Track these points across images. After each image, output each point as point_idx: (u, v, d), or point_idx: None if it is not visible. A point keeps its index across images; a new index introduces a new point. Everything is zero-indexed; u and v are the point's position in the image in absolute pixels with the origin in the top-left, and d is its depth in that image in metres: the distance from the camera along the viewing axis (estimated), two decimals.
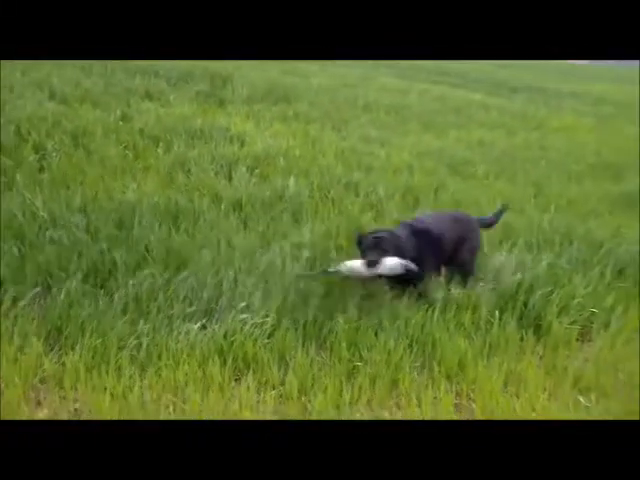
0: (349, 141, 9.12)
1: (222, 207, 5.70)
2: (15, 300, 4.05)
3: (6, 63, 11.58)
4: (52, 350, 3.72)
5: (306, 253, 4.81)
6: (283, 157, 7.47)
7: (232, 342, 3.82)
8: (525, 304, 4.46)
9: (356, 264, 4.34)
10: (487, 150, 9.78)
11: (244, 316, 4.02)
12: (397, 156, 8.38)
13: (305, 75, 16.21)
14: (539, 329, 4.32)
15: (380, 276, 4.36)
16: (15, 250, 4.51)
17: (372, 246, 4.36)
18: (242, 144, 7.98)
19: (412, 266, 4.29)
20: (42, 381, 3.54)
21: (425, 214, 5.27)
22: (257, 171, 7.01)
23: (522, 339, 4.17)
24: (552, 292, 4.52)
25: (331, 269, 4.43)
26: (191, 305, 4.15)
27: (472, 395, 3.68)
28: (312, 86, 13.98)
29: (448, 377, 3.77)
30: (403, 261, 4.29)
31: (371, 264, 4.27)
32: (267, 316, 4.03)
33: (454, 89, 17.30)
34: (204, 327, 3.96)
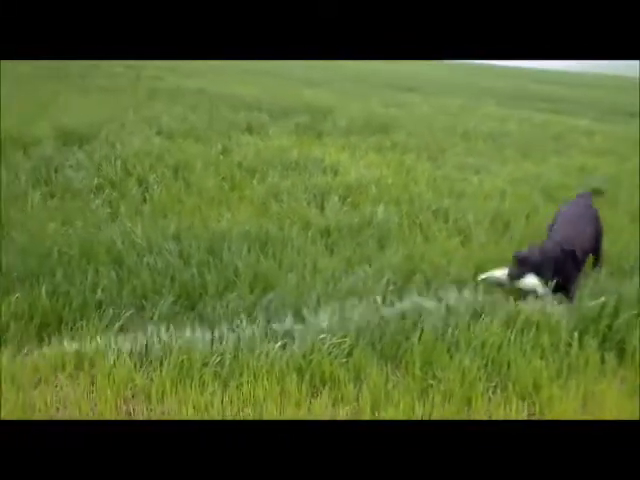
0: (443, 169, 9.18)
1: (309, 234, 5.89)
2: (112, 320, 4.34)
3: (117, 101, 12.35)
4: (142, 366, 3.96)
5: (388, 276, 4.92)
6: (375, 186, 7.62)
7: (310, 361, 3.97)
8: (609, 327, 4.41)
9: (501, 274, 4.93)
10: (588, 176, 9.61)
11: (323, 336, 4.16)
12: (490, 183, 8.38)
13: (405, 105, 16.38)
14: (623, 353, 4.26)
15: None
16: (113, 274, 4.82)
17: (518, 261, 4.92)
18: (335, 174, 8.19)
19: (544, 292, 4.79)
20: (133, 395, 3.78)
21: (567, 220, 5.59)
22: (349, 200, 7.18)
23: (603, 361, 4.12)
24: (638, 315, 4.45)
25: (481, 277, 5.01)
26: (274, 325, 4.33)
27: (547, 416, 3.67)
28: (411, 116, 14.12)
29: (522, 397, 3.78)
30: (538, 285, 4.81)
31: (512, 277, 4.87)
32: (345, 336, 4.16)
33: (557, 115, 17.01)
34: (284, 347, 4.12)
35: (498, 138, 12.19)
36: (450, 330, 4.29)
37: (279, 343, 4.12)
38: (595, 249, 5.53)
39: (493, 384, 3.89)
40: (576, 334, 4.24)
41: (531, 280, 4.85)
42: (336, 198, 7.13)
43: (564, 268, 4.92)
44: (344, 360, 4.02)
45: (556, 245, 5.07)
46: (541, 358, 4.08)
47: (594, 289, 4.84)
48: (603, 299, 4.57)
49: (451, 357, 4.05)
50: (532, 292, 4.84)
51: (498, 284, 4.95)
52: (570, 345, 4.19)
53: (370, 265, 5.21)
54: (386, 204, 6.94)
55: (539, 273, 4.86)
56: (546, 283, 4.82)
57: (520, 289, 4.88)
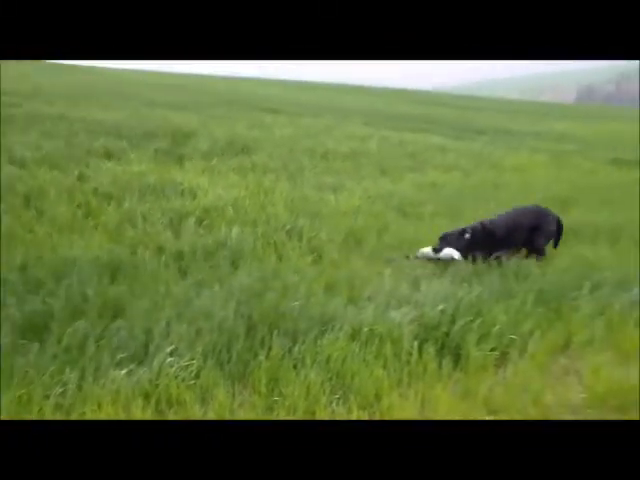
0: (302, 189, 9.35)
1: (163, 258, 5.87)
2: None
3: None
4: None
5: (238, 296, 4.98)
6: (232, 207, 7.68)
7: (157, 385, 3.96)
8: (447, 334, 4.63)
9: (427, 250, 6.43)
10: (438, 191, 10.05)
11: (171, 359, 4.16)
12: (346, 201, 8.62)
13: (269, 127, 16.54)
14: (458, 357, 4.48)
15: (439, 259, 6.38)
16: None
17: (440, 239, 6.49)
18: (194, 197, 8.18)
19: (457, 257, 6.33)
20: None
21: (506, 212, 7.08)
22: (205, 222, 7.20)
23: (440, 367, 4.33)
24: (473, 321, 4.70)
25: (416, 254, 6.46)
26: (122, 352, 4.29)
27: None
28: (274, 138, 14.29)
29: (363, 407, 3.91)
30: (454, 253, 6.33)
31: (435, 251, 6.40)
32: (193, 358, 4.18)
33: (415, 134, 17.67)
34: (131, 372, 4.09)
35: (357, 157, 12.53)
36: (297, 346, 4.39)
37: (125, 370, 4.09)
38: (529, 241, 6.75)
39: (337, 396, 4.01)
40: (416, 343, 4.43)
41: (448, 251, 6.35)
42: (192, 221, 7.13)
43: (477, 241, 6.47)
44: (192, 382, 4.04)
45: (476, 225, 6.65)
46: (383, 368, 4.24)
47: (436, 297, 5.07)
48: (442, 307, 4.81)
49: (297, 373, 4.14)
50: (450, 260, 6.29)
51: (427, 258, 6.39)
52: (411, 354, 4.38)
53: (219, 286, 5.25)
54: (242, 225, 7.01)
55: (456, 247, 6.36)
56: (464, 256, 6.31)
57: (441, 260, 6.32)
